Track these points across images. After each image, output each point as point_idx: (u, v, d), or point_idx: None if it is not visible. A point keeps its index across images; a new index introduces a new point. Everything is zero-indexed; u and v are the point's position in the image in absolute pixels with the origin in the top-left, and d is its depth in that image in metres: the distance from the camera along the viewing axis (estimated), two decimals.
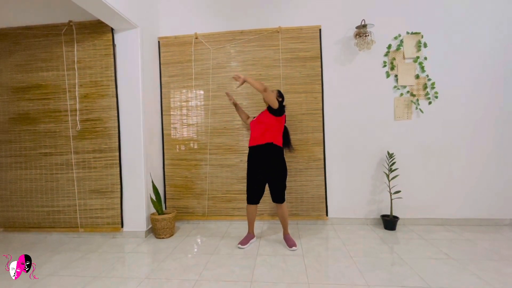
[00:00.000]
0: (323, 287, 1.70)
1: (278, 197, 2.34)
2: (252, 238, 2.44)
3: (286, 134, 2.52)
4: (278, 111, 2.30)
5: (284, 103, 2.46)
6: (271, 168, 2.32)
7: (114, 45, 2.66)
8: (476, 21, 2.71)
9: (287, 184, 2.89)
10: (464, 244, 2.29)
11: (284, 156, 2.43)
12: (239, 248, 2.31)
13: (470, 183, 2.76)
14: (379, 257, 2.09)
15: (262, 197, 2.43)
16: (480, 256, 2.07)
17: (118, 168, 2.67)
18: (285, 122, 2.45)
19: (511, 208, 2.72)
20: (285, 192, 2.42)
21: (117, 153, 2.68)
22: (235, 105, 2.66)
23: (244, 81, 2.23)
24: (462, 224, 2.75)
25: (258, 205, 2.46)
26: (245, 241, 2.37)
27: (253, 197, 2.38)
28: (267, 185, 2.39)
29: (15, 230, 2.83)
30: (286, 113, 2.90)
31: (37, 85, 2.79)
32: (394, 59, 2.79)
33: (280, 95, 2.45)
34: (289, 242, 2.31)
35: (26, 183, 2.81)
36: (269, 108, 2.32)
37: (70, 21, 2.71)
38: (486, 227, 2.69)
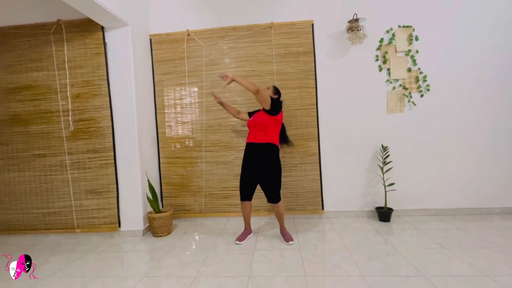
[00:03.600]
0: (319, 279, 1.74)
1: (273, 197, 2.31)
2: (249, 233, 2.47)
3: (283, 130, 2.49)
4: (272, 111, 2.22)
5: (281, 99, 2.46)
6: (264, 168, 2.28)
7: (105, 44, 2.63)
8: (468, 13, 2.73)
9: (283, 179, 2.93)
10: (456, 233, 2.35)
11: (279, 154, 2.42)
12: (236, 244, 2.33)
13: (463, 173, 2.81)
14: (374, 248, 2.14)
15: (259, 193, 2.45)
16: (472, 244, 2.13)
17: (114, 168, 2.66)
18: (282, 119, 2.40)
19: (502, 197, 2.78)
20: (281, 189, 2.40)
21: (112, 153, 2.66)
22: (222, 103, 2.60)
23: (232, 81, 2.12)
24: (455, 214, 2.81)
25: (252, 201, 2.47)
26: (242, 237, 2.39)
27: (246, 194, 2.39)
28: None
29: (11, 233, 2.80)
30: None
31: (27, 86, 2.75)
32: (386, 52, 2.81)
33: (276, 91, 2.43)
34: (286, 237, 2.34)
35: (20, 185, 2.78)
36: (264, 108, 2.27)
37: (59, 20, 2.66)
38: (478, 216, 2.76)
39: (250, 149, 2.35)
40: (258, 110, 2.45)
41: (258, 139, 2.30)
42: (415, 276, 1.72)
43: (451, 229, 2.45)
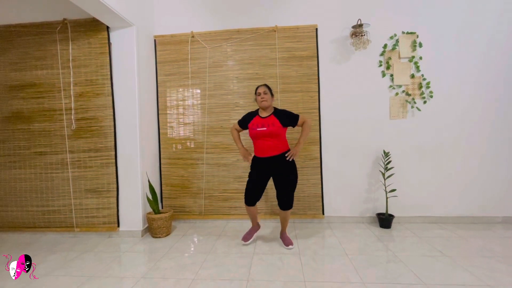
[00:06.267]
0: (319, 285, 1.72)
1: (289, 204, 2.28)
2: (257, 229, 2.42)
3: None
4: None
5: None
6: (289, 176, 2.22)
7: (109, 44, 2.64)
8: (472, 21, 2.74)
9: None
10: (457, 242, 2.33)
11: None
12: (243, 245, 2.33)
13: (464, 181, 2.79)
14: (374, 255, 2.12)
15: (260, 196, 2.36)
16: (473, 253, 2.10)
17: (114, 167, 2.66)
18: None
19: (503, 206, 2.76)
20: None
21: (113, 152, 2.66)
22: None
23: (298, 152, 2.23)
24: (456, 222, 2.79)
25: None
26: (248, 236, 2.36)
27: (255, 201, 2.31)
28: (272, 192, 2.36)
29: (9, 230, 2.80)
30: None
31: (31, 84, 2.76)
32: (389, 58, 2.81)
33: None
34: (286, 241, 2.32)
35: (20, 182, 2.78)
36: (292, 122, 2.25)
37: (64, 19, 2.68)
38: (479, 224, 2.74)
39: (274, 161, 2.22)
40: (254, 115, 2.31)
41: (280, 149, 2.22)
42: (415, 284, 1.70)
43: (453, 237, 2.42)
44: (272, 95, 2.30)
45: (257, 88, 2.31)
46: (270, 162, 2.23)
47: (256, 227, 2.42)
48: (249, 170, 2.38)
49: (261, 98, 2.24)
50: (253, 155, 2.34)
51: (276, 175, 2.24)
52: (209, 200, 3.03)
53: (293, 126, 2.28)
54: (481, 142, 2.77)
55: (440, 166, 2.81)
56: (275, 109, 2.31)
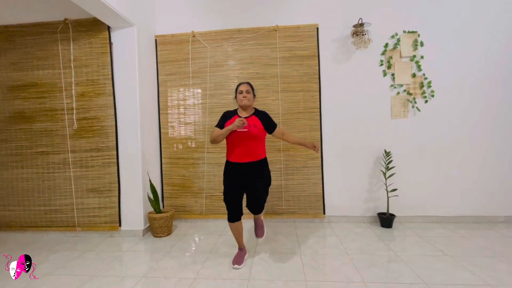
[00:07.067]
0: (320, 285, 1.72)
1: (261, 208, 2.13)
2: (245, 254, 2.11)
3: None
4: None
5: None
6: (263, 183, 2.04)
7: (110, 43, 2.65)
8: (473, 20, 2.73)
9: (286, 182, 2.93)
10: (459, 241, 2.32)
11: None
12: (235, 269, 1.96)
13: (466, 181, 2.78)
14: (376, 254, 2.12)
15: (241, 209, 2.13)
16: (475, 253, 2.10)
17: (116, 167, 2.67)
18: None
19: (505, 206, 2.75)
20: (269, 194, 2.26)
21: (115, 152, 2.67)
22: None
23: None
24: (458, 222, 2.78)
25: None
26: (240, 259, 2.02)
27: (238, 214, 2.04)
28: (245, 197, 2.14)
29: (11, 229, 2.81)
30: (284, 111, 2.92)
31: (33, 84, 2.77)
32: (391, 57, 2.80)
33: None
34: (258, 230, 2.17)
35: (23, 182, 2.79)
36: (270, 128, 2.05)
37: (65, 19, 2.69)
38: (481, 224, 2.73)
39: (251, 167, 1.99)
40: (233, 114, 2.04)
41: (259, 155, 2.01)
42: (416, 283, 1.70)
43: (454, 237, 2.42)
44: (254, 95, 2.07)
45: (238, 85, 2.06)
46: (246, 168, 1.97)
47: (244, 250, 2.12)
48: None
49: (243, 96, 2.00)
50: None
51: (251, 182, 1.99)
52: (210, 200, 3.03)
53: (269, 133, 2.07)
54: (482, 141, 2.76)
55: (441, 165, 2.80)
56: (256, 109, 2.09)
